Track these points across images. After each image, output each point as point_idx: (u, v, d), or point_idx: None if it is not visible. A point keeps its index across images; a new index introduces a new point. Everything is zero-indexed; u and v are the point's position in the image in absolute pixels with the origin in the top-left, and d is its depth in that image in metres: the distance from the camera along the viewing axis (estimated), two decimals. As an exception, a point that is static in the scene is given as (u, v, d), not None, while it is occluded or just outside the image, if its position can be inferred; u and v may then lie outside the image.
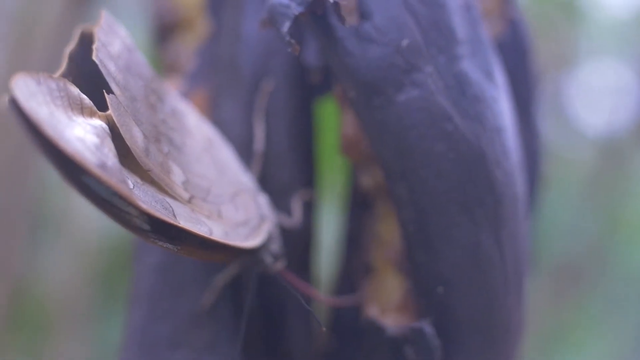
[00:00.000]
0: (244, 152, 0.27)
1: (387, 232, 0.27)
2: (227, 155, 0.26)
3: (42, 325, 0.64)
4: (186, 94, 0.29)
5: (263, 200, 0.26)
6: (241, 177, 0.26)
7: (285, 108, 0.28)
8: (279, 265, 0.25)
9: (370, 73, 0.24)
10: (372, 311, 0.26)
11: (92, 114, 0.21)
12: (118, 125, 0.21)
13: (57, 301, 0.64)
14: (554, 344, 0.77)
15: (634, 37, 0.84)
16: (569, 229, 0.77)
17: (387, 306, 0.26)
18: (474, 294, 0.25)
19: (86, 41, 0.22)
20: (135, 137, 0.22)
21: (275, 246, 0.25)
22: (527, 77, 0.30)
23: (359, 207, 0.28)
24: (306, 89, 0.28)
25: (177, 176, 0.23)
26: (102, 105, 0.21)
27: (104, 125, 0.21)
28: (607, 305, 0.82)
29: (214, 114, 0.28)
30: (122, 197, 0.19)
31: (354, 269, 0.28)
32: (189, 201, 0.23)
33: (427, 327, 0.25)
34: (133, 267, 0.28)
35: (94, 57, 0.22)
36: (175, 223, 0.21)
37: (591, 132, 0.89)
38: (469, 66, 0.25)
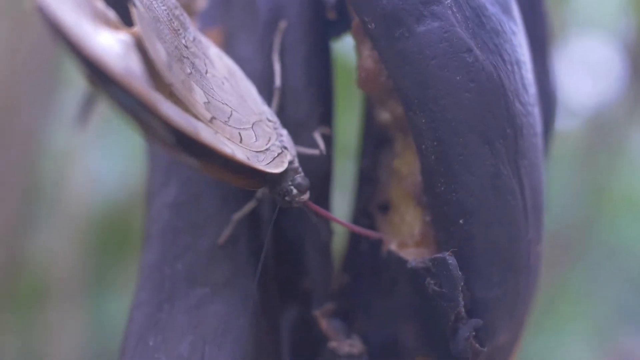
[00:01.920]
0: (261, 88, 0.27)
1: (405, 166, 0.27)
2: (248, 86, 0.26)
3: (38, 298, 0.64)
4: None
5: (284, 132, 0.26)
6: (262, 107, 0.26)
7: (302, 43, 0.27)
8: (305, 197, 0.25)
9: (391, 4, 0.24)
10: (392, 246, 0.26)
11: (117, 28, 0.21)
12: (142, 37, 0.21)
13: (52, 274, 0.63)
14: (539, 316, 0.77)
15: (621, 10, 0.84)
16: (556, 202, 0.78)
17: (407, 241, 0.26)
18: (494, 225, 0.25)
19: None
20: (159, 52, 0.21)
21: (300, 178, 0.25)
22: (541, 18, 0.30)
23: (375, 143, 0.28)
24: (323, 25, 0.28)
25: (199, 96, 0.23)
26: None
27: (129, 38, 0.20)
28: (593, 279, 0.82)
29: (229, 51, 0.28)
30: (146, 104, 0.19)
31: (371, 206, 0.28)
32: (210, 121, 0.23)
33: (450, 259, 0.25)
34: (145, 208, 0.28)
35: None
36: (200, 138, 0.21)
37: (578, 105, 0.89)
38: (487, 0, 0.25)
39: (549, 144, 0.30)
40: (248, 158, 0.23)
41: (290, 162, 0.25)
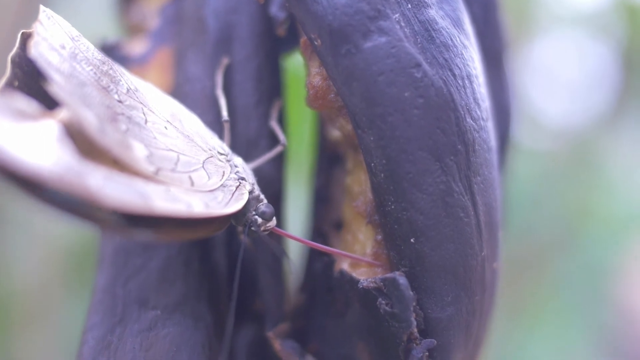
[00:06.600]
0: (210, 106, 0.26)
1: (357, 184, 0.26)
2: (194, 123, 0.26)
3: (9, 322, 0.63)
4: (150, 53, 0.28)
5: (239, 161, 0.25)
6: (212, 142, 0.25)
7: (252, 60, 0.27)
8: (272, 224, 0.25)
9: (337, 20, 0.24)
10: (344, 266, 0.26)
11: (40, 117, 0.20)
12: (67, 114, 0.20)
13: (23, 298, 0.63)
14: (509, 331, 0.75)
15: (594, 29, 0.84)
16: (531, 221, 0.77)
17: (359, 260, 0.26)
18: (446, 243, 0.24)
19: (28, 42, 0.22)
20: (88, 121, 0.21)
21: (264, 206, 0.25)
22: (496, 30, 0.30)
23: (328, 161, 0.27)
24: (273, 42, 0.28)
25: (139, 151, 0.22)
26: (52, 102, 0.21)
27: (56, 124, 0.20)
28: (566, 298, 0.81)
29: (180, 70, 0.27)
30: (86, 200, 0.18)
31: (325, 225, 0.27)
32: (156, 173, 0.22)
33: (401, 278, 0.24)
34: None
35: (31, 52, 0.21)
36: (154, 209, 0.20)
37: (551, 123, 0.88)
38: (436, 14, 0.25)
39: (506, 158, 0.30)
40: (207, 204, 0.22)
41: (251, 192, 0.24)
